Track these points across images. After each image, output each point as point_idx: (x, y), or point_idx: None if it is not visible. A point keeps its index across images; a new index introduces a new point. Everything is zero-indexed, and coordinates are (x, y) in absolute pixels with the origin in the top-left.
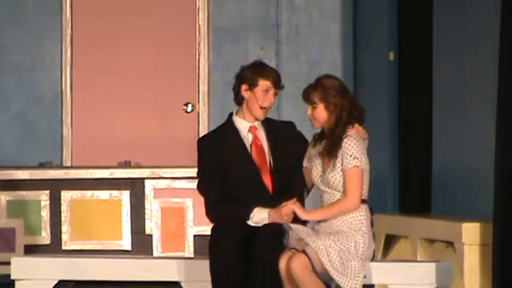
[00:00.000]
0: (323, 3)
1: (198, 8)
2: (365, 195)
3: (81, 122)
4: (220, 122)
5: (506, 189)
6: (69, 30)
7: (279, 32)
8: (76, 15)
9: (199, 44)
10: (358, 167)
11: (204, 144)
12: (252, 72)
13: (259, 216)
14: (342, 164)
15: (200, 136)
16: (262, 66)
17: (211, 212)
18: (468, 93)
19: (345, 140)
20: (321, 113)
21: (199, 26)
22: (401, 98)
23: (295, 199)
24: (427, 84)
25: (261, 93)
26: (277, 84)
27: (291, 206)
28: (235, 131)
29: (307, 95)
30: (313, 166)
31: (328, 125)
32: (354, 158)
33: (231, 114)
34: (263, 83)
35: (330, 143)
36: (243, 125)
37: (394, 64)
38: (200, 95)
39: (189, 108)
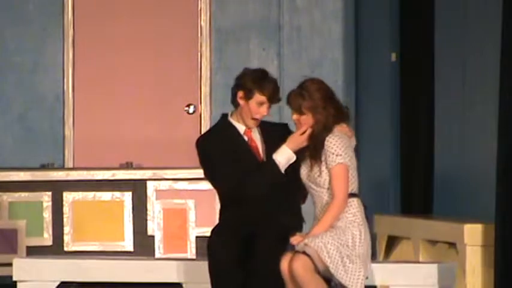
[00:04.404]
0: (325, 4)
1: (200, 9)
2: (355, 190)
3: (82, 123)
4: None
5: (508, 190)
6: (71, 31)
7: (280, 33)
8: (78, 16)
9: (201, 45)
10: (342, 163)
11: (205, 145)
12: (251, 83)
13: (282, 156)
14: (326, 163)
15: (198, 137)
16: (262, 79)
17: (242, 189)
18: (470, 94)
19: (326, 139)
20: (309, 120)
21: (201, 27)
22: (403, 98)
23: (297, 235)
24: (429, 85)
25: (255, 105)
26: (273, 100)
27: (299, 239)
28: (234, 129)
29: (294, 103)
30: (301, 165)
31: (313, 127)
32: (336, 155)
33: (225, 115)
34: (258, 97)
35: (314, 146)
36: (238, 127)
37: (396, 65)
38: (202, 96)
39: (191, 110)
